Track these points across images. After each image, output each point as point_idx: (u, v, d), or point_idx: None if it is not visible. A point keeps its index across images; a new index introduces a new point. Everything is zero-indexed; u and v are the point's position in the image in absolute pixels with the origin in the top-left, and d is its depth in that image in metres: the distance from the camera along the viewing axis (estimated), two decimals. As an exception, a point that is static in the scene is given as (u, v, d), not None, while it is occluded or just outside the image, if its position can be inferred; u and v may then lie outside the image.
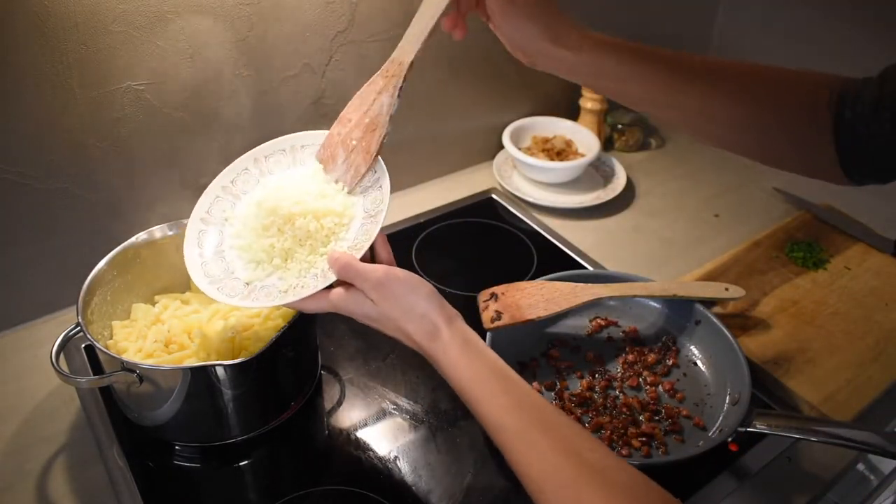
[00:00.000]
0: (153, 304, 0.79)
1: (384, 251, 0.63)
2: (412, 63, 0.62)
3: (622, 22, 1.25)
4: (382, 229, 0.62)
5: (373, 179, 0.65)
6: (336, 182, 0.66)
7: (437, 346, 0.57)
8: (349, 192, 0.65)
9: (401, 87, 0.63)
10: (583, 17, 1.17)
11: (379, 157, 0.64)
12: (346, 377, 0.81)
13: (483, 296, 0.82)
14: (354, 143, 0.65)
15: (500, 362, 0.58)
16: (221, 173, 0.70)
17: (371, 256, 0.63)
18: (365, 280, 0.58)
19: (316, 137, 0.69)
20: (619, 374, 0.80)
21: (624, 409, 0.75)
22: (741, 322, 0.87)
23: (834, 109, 0.60)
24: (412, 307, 0.58)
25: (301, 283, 0.61)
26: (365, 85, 0.65)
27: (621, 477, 0.50)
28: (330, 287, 0.60)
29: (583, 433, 0.54)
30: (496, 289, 0.82)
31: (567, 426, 0.54)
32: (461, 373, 0.56)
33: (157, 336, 0.72)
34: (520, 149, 1.14)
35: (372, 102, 0.64)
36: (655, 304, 0.86)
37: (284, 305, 0.61)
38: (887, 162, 0.60)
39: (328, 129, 0.67)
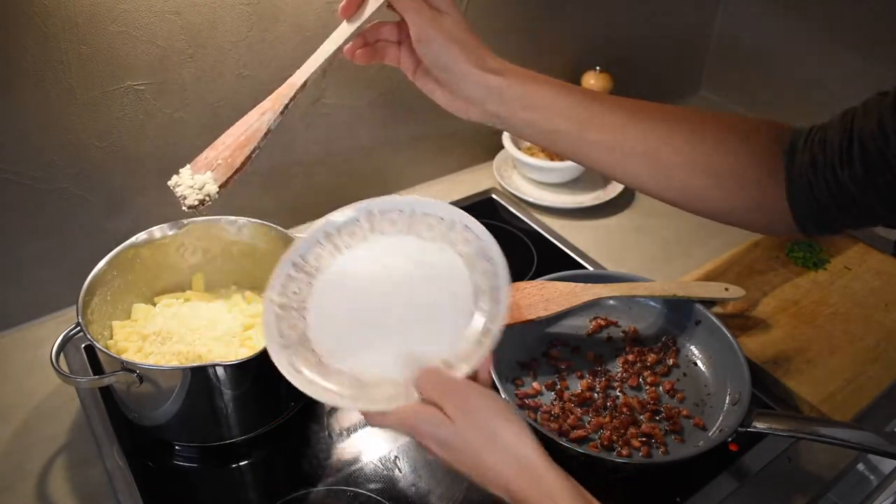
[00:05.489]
0: (153, 304, 0.79)
1: (484, 370, 0.54)
2: (305, 83, 0.60)
3: (623, 21, 1.25)
4: None
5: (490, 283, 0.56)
6: None
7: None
8: None
9: (287, 105, 0.60)
10: (586, 16, 1.18)
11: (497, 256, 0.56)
12: (346, 377, 0.81)
13: (483, 296, 0.82)
14: (220, 161, 0.61)
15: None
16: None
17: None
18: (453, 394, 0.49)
19: (434, 208, 0.61)
20: (619, 374, 0.80)
21: (624, 409, 0.75)
22: (741, 322, 0.87)
23: (786, 159, 0.59)
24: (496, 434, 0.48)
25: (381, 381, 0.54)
26: (253, 109, 0.62)
27: None
28: None
29: None
30: (496, 289, 0.82)
31: None
32: None
33: (157, 336, 0.72)
34: (520, 149, 1.14)
35: (253, 122, 0.61)
36: (655, 304, 0.86)
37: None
38: (851, 210, 0.57)
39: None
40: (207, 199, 0.60)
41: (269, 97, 0.61)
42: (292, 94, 0.60)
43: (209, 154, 0.62)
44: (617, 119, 0.61)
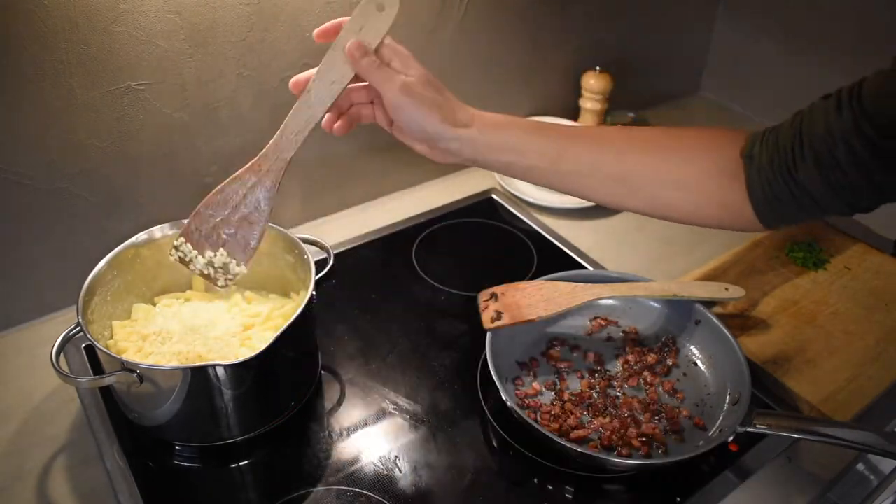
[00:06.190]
0: (153, 304, 0.79)
1: None
2: (290, 160, 0.63)
3: (623, 21, 1.25)
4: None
5: None
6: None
7: None
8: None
9: (279, 182, 0.64)
10: (586, 16, 1.18)
11: None
12: (346, 377, 0.81)
13: (483, 296, 0.82)
14: (225, 237, 0.66)
15: None
16: None
17: None
18: None
19: None
20: (619, 374, 0.80)
21: (624, 409, 0.75)
22: (741, 322, 0.87)
23: (746, 162, 0.63)
24: None
25: None
26: (226, 181, 0.65)
27: None
28: None
29: None
30: (496, 289, 0.82)
31: None
32: None
33: (157, 336, 0.72)
34: (520, 149, 1.14)
35: (242, 197, 0.64)
36: (655, 304, 0.86)
37: None
38: (804, 205, 0.61)
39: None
40: (239, 275, 0.68)
41: (247, 168, 0.64)
42: (283, 169, 0.64)
43: (198, 223, 0.66)
44: (587, 149, 0.67)
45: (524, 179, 0.70)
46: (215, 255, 0.67)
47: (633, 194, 0.68)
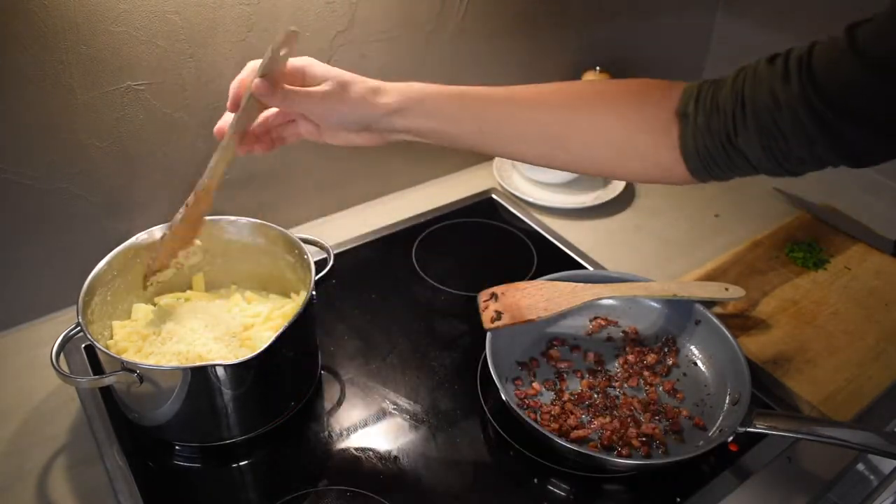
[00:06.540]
0: (153, 304, 0.79)
1: None
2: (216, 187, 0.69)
3: (623, 21, 1.25)
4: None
5: None
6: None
7: None
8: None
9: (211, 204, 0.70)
10: (586, 16, 1.18)
11: None
12: (346, 377, 0.81)
13: (483, 296, 0.82)
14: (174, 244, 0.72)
15: None
16: None
17: None
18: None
19: None
20: (619, 374, 0.80)
21: (624, 409, 0.75)
22: (741, 322, 0.87)
23: (681, 121, 0.63)
24: None
25: None
26: (178, 222, 0.69)
27: None
28: None
29: None
30: (496, 289, 0.82)
31: None
32: None
33: (157, 336, 0.72)
34: (520, 149, 1.14)
35: (191, 215, 0.70)
36: (655, 304, 0.86)
37: None
38: (736, 160, 0.61)
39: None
40: (197, 247, 0.73)
41: (188, 205, 0.69)
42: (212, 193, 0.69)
43: (151, 262, 0.72)
44: (517, 113, 0.66)
45: (449, 146, 0.69)
46: (178, 259, 0.73)
47: (563, 156, 0.67)
